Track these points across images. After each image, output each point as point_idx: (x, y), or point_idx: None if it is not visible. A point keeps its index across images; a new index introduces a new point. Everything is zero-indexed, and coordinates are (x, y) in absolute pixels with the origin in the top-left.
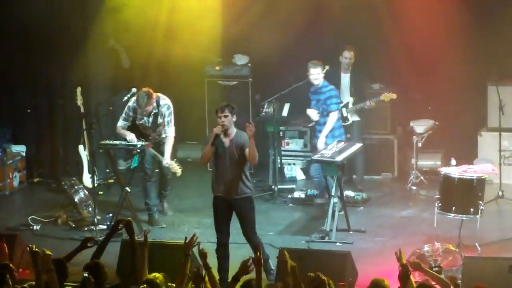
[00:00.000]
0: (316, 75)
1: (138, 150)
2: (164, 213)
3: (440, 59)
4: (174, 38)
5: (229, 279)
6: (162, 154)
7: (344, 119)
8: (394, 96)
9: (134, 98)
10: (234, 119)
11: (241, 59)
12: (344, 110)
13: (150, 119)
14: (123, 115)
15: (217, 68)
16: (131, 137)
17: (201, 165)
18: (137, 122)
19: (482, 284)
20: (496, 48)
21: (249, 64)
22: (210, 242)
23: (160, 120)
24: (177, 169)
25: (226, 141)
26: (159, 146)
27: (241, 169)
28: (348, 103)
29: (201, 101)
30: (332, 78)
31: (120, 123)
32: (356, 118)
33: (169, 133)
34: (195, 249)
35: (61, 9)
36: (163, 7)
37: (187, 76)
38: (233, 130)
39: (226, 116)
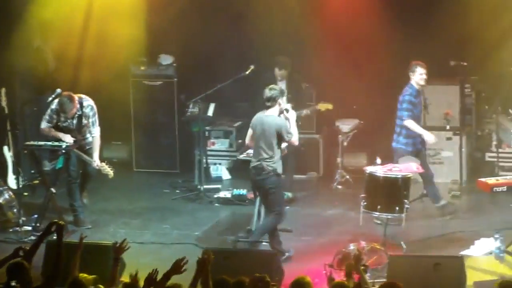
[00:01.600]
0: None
1: (63, 151)
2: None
3: (365, 59)
4: (99, 38)
5: None
6: (89, 156)
7: None
8: (330, 106)
9: (56, 101)
10: None
11: (166, 59)
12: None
13: (75, 121)
14: (47, 117)
15: (142, 68)
16: (67, 138)
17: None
18: (60, 124)
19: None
20: (420, 47)
21: (174, 64)
22: (136, 243)
23: (84, 121)
24: (108, 171)
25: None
26: (84, 147)
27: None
28: (287, 109)
29: (126, 101)
30: (268, 83)
31: (44, 125)
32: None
33: (95, 133)
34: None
35: None
36: (88, 6)
37: (112, 76)
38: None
39: None
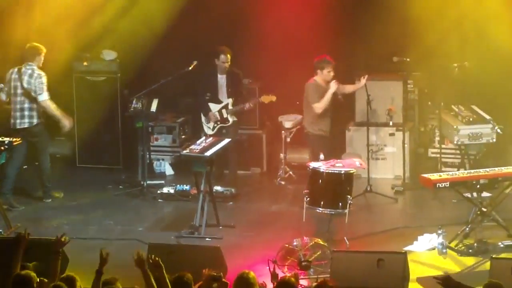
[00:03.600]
0: None
1: (6, 147)
2: (14, 207)
3: (307, 54)
4: (41, 34)
5: None
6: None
7: (225, 120)
8: (273, 98)
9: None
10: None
11: (109, 55)
12: (224, 111)
13: None
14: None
15: (85, 63)
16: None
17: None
18: None
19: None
20: (363, 43)
21: (117, 60)
22: (79, 238)
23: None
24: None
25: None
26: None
27: None
28: (227, 104)
29: (69, 97)
30: (209, 78)
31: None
32: (234, 118)
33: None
34: None
35: None
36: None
37: (55, 72)
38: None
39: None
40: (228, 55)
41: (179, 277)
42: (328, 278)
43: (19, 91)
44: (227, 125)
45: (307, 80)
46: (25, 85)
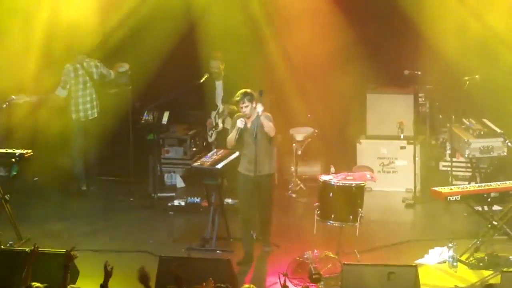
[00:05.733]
0: None
1: (17, 158)
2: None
3: (319, 67)
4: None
5: None
6: None
7: (216, 125)
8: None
9: None
10: (254, 104)
11: (121, 67)
12: (216, 117)
13: None
14: None
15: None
16: None
17: (229, 147)
18: None
19: None
20: (374, 56)
21: (129, 72)
22: (90, 250)
23: None
24: None
25: (248, 123)
26: None
27: (268, 148)
28: (219, 109)
29: None
30: (208, 85)
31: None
32: (227, 125)
33: None
34: None
35: None
36: (42, 14)
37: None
38: (254, 114)
39: (246, 106)
40: (217, 61)
41: None
42: None
43: (88, 84)
44: (218, 130)
45: (317, 93)
46: (95, 76)
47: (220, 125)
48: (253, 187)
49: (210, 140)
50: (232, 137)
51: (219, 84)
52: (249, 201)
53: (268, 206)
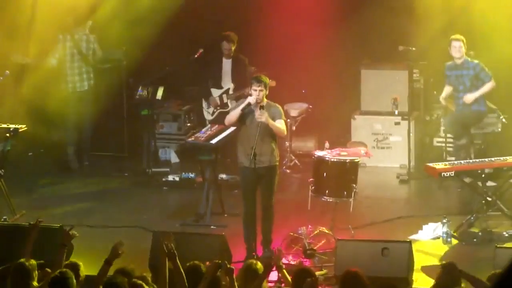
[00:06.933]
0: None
1: (12, 133)
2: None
3: (313, 43)
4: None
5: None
6: None
7: (224, 105)
8: (273, 83)
9: None
10: (267, 93)
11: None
12: (224, 96)
13: None
14: None
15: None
16: None
17: (227, 125)
18: None
19: (354, 268)
20: (369, 32)
21: (123, 47)
22: (84, 226)
23: None
24: None
25: (256, 111)
26: None
27: (270, 139)
28: (228, 89)
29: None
30: (213, 63)
31: None
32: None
33: None
34: None
35: None
36: None
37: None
38: (264, 102)
39: (261, 90)
40: (231, 44)
41: (194, 266)
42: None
43: (76, 56)
44: (226, 110)
45: (312, 69)
46: (84, 50)
47: (230, 105)
48: (254, 179)
49: (209, 118)
50: (235, 113)
51: (227, 62)
52: (250, 194)
53: (268, 201)
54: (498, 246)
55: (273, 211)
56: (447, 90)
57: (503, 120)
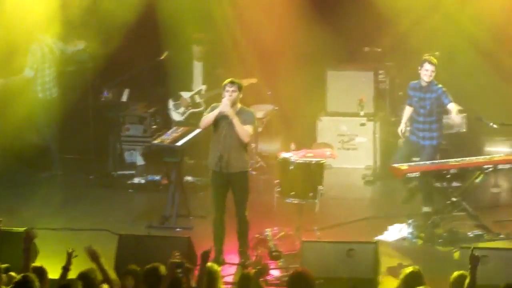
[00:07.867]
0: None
1: None
2: None
3: (280, 45)
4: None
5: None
6: None
7: (197, 105)
8: (254, 80)
9: None
10: (241, 95)
11: (78, 45)
12: (197, 96)
13: None
14: None
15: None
16: None
17: (201, 128)
18: None
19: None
20: (334, 33)
21: (88, 50)
22: (49, 229)
23: None
24: None
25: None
26: None
27: (238, 143)
28: (201, 90)
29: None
30: (186, 66)
31: None
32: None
33: None
34: None
35: None
36: None
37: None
38: (238, 106)
39: (234, 91)
40: (201, 47)
41: (152, 269)
42: (299, 268)
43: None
44: (199, 110)
45: (279, 71)
46: (57, 53)
47: (203, 105)
48: (224, 184)
49: (178, 119)
50: (210, 117)
51: (198, 65)
52: (219, 199)
53: (242, 212)
54: (463, 246)
55: (247, 220)
56: (408, 111)
57: (494, 126)
